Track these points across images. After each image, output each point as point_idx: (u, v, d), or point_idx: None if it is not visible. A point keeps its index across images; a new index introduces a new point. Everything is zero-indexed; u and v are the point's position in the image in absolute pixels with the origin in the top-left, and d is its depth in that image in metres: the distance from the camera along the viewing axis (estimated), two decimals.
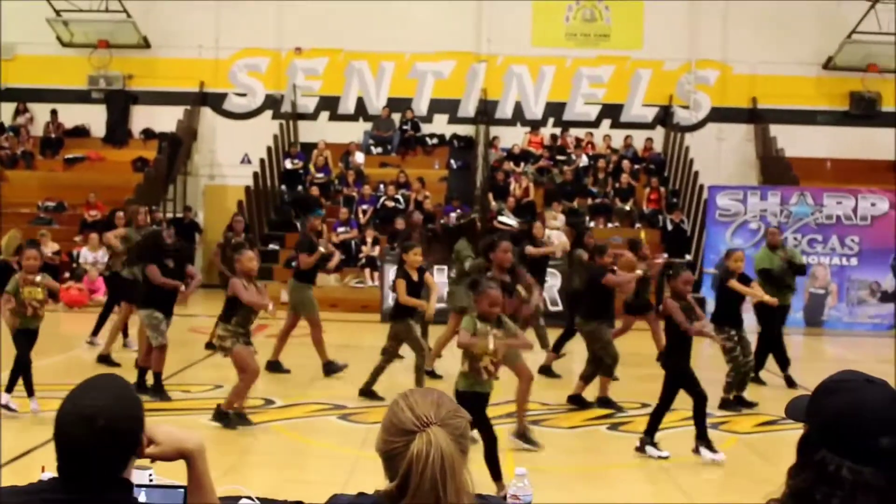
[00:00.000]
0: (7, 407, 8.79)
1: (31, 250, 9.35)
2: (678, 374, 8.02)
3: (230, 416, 8.60)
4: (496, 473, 6.68)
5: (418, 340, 10.07)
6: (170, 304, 10.28)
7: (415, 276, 10.11)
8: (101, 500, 2.30)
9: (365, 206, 21.26)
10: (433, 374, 11.05)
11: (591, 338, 10.00)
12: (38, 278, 9.02)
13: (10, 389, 8.87)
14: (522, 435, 8.21)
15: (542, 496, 6.66)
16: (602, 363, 9.99)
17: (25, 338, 8.97)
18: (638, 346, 12.66)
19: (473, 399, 6.58)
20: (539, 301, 12.29)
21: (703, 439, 7.96)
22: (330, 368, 11.44)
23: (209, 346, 12.60)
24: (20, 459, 7.17)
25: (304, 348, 11.92)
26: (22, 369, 8.88)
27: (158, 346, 10.01)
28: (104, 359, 11.73)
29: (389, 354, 10.14)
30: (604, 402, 10.02)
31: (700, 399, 7.96)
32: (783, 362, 11.65)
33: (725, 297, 10.26)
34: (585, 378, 10.05)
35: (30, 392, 8.88)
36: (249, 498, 3.82)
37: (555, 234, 18.71)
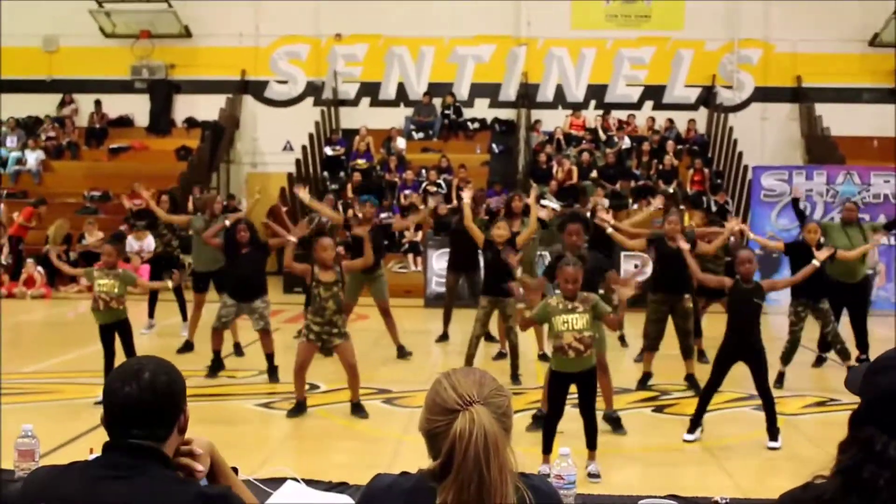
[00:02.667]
0: None
1: (106, 247, 9.34)
2: (718, 353, 7.99)
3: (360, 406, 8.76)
4: (547, 446, 6.83)
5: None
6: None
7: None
8: (141, 474, 2.34)
9: (407, 192, 21.26)
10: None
11: None
12: (117, 271, 8.97)
13: None
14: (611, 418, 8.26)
15: (584, 476, 6.67)
16: None
17: (104, 333, 8.96)
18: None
19: (554, 377, 6.90)
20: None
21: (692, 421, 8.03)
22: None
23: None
24: (71, 444, 7.27)
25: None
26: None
27: (264, 330, 10.20)
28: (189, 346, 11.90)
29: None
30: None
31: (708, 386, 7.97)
32: (828, 345, 11.55)
33: (798, 268, 10.19)
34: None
35: None
36: (295, 479, 3.85)
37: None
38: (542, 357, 11.38)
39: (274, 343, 10.32)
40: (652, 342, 10.02)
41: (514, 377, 10.15)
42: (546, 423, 6.97)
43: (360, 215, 12.23)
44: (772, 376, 9.24)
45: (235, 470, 2.79)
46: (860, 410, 2.12)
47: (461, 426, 2.22)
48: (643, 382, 10.03)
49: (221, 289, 11.96)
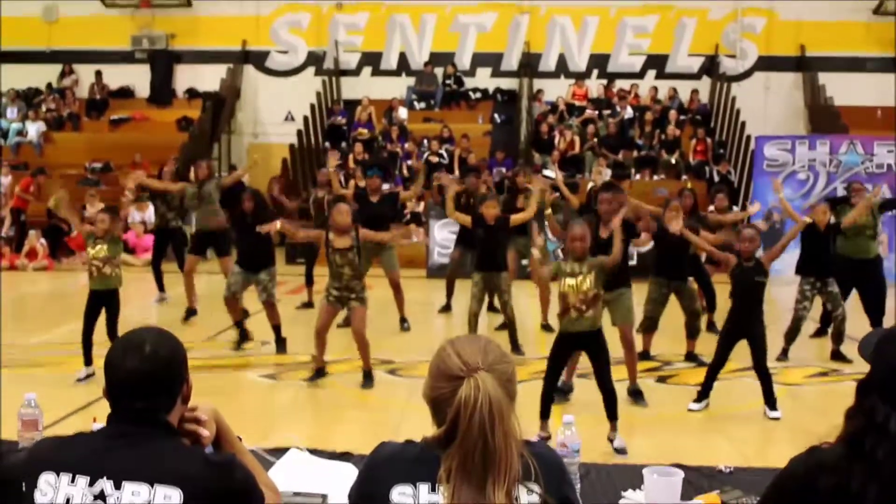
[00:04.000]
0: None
1: (100, 214, 9.07)
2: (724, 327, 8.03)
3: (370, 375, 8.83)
4: (545, 412, 6.90)
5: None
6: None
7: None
8: (147, 443, 2.35)
9: (409, 162, 21.21)
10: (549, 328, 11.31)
11: None
12: (109, 238, 8.72)
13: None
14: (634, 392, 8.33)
15: (589, 446, 6.68)
16: None
17: (93, 300, 8.73)
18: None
19: (557, 339, 6.98)
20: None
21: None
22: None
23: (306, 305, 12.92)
24: (74, 415, 7.29)
25: None
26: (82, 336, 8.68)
27: (268, 302, 10.18)
28: (192, 312, 11.95)
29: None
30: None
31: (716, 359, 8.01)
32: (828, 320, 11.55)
33: (807, 246, 10.18)
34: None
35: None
36: (299, 448, 3.86)
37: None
38: (546, 327, 11.40)
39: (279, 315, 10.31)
40: (650, 322, 9.96)
41: (515, 347, 10.15)
42: (544, 386, 6.97)
43: (365, 188, 12.21)
44: (775, 351, 9.29)
45: (239, 439, 2.79)
46: (868, 378, 2.12)
47: (466, 393, 2.21)
48: (642, 357, 10.01)
49: (221, 253, 12.02)
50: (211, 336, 10.88)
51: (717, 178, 20.80)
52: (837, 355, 10.17)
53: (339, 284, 8.57)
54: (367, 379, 8.79)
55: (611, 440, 6.80)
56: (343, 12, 24.23)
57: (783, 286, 13.01)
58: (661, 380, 9.36)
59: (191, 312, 11.96)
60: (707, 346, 9.24)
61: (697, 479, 3.72)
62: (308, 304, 12.94)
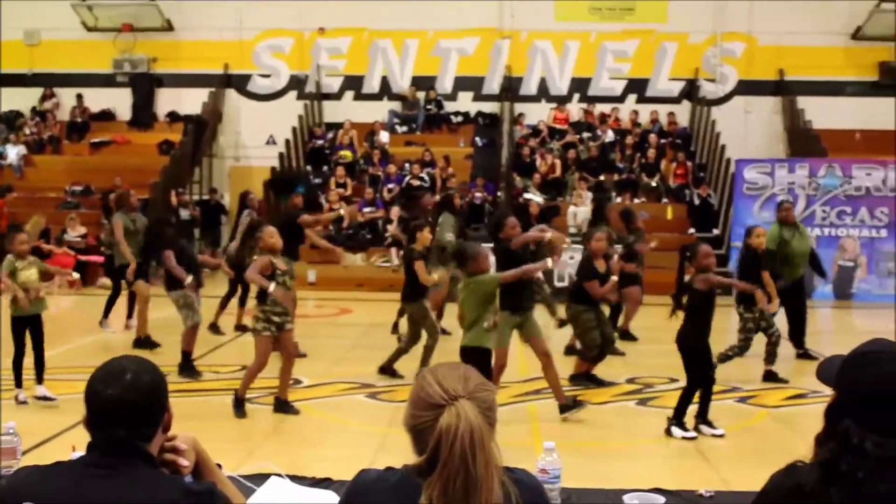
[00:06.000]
0: (45, 398, 8.81)
1: (21, 234, 9.06)
2: (699, 352, 7.94)
3: (242, 403, 8.54)
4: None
5: (433, 322, 10.21)
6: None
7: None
8: (127, 473, 2.33)
9: (391, 186, 21.23)
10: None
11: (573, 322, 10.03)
12: (31, 259, 8.81)
13: (18, 383, 8.80)
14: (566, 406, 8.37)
15: (571, 471, 6.65)
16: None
17: (22, 325, 8.76)
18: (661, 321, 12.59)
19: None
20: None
21: (702, 417, 7.98)
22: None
23: (238, 328, 12.70)
24: (53, 441, 7.23)
25: (332, 328, 11.96)
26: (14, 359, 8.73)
27: (192, 324, 10.11)
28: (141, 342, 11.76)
29: (413, 337, 10.17)
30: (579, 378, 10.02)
31: (710, 382, 7.94)
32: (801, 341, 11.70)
33: (749, 273, 10.15)
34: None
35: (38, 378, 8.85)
36: (279, 475, 3.84)
37: (581, 210, 18.68)
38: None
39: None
40: (597, 350, 9.89)
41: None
42: None
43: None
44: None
45: (219, 466, 2.78)
46: (836, 404, 2.14)
47: (447, 421, 2.21)
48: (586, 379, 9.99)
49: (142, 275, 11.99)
50: (193, 359, 10.83)
51: (696, 202, 20.94)
52: (770, 375, 10.21)
53: (280, 310, 8.39)
54: (287, 407, 8.63)
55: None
56: (325, 37, 24.29)
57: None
58: (642, 402, 9.36)
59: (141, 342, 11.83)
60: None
61: None
62: (241, 327, 12.82)
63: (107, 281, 10.95)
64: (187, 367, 10.07)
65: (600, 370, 10.03)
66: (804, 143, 21.72)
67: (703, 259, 7.92)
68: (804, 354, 11.53)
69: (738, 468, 7.26)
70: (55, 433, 7.46)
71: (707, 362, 7.91)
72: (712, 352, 7.91)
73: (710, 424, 7.97)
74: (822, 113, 22.36)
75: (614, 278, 9.69)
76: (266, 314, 8.34)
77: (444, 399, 2.26)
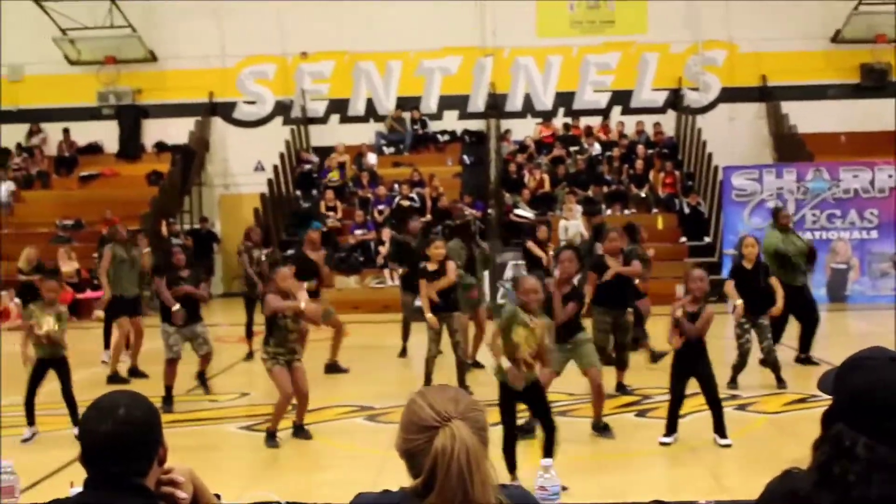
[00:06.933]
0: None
1: (51, 282, 9.15)
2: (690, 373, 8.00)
3: (273, 435, 8.49)
4: (511, 466, 6.73)
5: (438, 337, 10.29)
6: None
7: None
8: None
9: (381, 207, 21.25)
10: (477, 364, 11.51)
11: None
12: (55, 309, 8.84)
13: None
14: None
15: (570, 485, 6.67)
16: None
17: (42, 367, 8.81)
18: (658, 331, 12.60)
19: (503, 391, 6.83)
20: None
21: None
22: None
23: (250, 356, 12.73)
24: (51, 477, 7.21)
25: (329, 351, 11.95)
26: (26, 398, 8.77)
27: (167, 359, 10.08)
28: (114, 378, 11.60)
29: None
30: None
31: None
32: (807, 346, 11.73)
33: (738, 285, 10.15)
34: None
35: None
36: (278, 503, 3.84)
37: (572, 224, 18.70)
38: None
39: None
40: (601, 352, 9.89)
41: (462, 385, 10.14)
42: (504, 441, 6.75)
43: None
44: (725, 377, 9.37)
45: (218, 497, 2.78)
46: (832, 409, 2.16)
47: (442, 442, 2.22)
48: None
49: (131, 313, 11.97)
50: (190, 389, 10.81)
51: (686, 211, 20.99)
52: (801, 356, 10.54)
53: (284, 349, 8.39)
54: (303, 432, 8.65)
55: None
56: (308, 61, 24.35)
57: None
58: (641, 413, 9.36)
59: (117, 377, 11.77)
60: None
61: None
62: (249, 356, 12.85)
63: (101, 313, 10.92)
64: (166, 401, 9.89)
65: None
66: (790, 147, 21.81)
67: (692, 282, 7.96)
68: (805, 359, 11.52)
69: (739, 476, 7.26)
70: (53, 470, 7.44)
71: (672, 379, 7.97)
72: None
73: (667, 433, 8.02)
74: (806, 117, 22.44)
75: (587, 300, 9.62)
76: (270, 354, 8.38)
77: (437, 420, 2.26)
